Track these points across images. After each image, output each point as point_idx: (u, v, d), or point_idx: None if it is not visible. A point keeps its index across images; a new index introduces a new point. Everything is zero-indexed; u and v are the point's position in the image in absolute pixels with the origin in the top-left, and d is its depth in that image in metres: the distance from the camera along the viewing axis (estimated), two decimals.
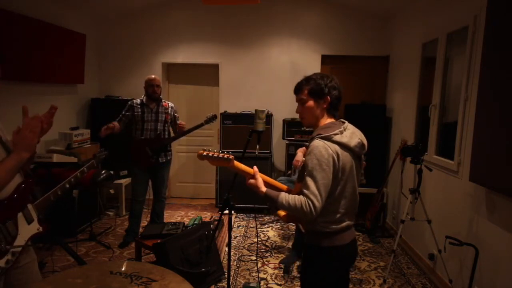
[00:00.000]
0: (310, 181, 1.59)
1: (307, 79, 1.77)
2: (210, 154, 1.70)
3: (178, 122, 4.01)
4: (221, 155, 1.70)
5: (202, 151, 1.71)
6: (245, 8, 5.26)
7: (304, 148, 3.79)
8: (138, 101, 3.90)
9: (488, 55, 2.54)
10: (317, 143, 1.62)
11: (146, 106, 3.86)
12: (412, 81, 4.16)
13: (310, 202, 1.56)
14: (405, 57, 4.50)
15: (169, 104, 4.01)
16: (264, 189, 1.71)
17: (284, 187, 1.85)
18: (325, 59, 5.35)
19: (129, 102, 3.90)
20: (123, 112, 3.87)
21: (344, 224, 1.71)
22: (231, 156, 1.70)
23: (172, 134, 4.05)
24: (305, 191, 1.59)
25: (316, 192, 1.57)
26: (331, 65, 5.35)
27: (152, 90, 3.83)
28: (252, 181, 1.74)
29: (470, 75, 2.93)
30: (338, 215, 1.69)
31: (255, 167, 1.76)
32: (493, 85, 2.48)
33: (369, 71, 5.32)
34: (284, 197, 1.63)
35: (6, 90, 3.66)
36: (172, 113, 3.99)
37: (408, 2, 4.34)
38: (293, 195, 1.62)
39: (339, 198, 1.68)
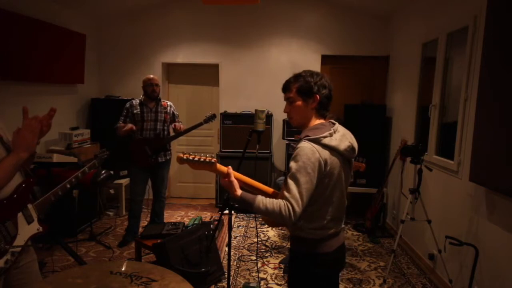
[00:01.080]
0: (292, 184, 1.50)
1: (295, 77, 1.68)
2: (191, 157, 1.56)
3: (176, 119, 4.00)
4: (202, 158, 1.56)
5: (182, 155, 1.57)
6: (245, 8, 5.26)
7: None
8: (137, 101, 3.89)
9: (488, 55, 2.54)
10: (305, 145, 1.54)
11: (145, 105, 3.86)
12: (412, 81, 4.16)
13: (290, 206, 1.47)
14: (405, 57, 4.50)
15: (168, 103, 4.00)
16: (238, 191, 1.58)
17: (269, 190, 1.75)
18: (325, 59, 5.35)
19: (127, 104, 3.88)
20: (124, 115, 3.84)
21: (331, 231, 1.65)
22: (213, 159, 1.58)
23: (172, 133, 4.05)
24: (286, 194, 1.50)
25: (298, 196, 1.48)
26: (331, 65, 5.35)
27: (151, 90, 3.83)
28: (227, 180, 1.61)
29: (470, 75, 2.93)
30: (325, 221, 1.62)
31: (229, 167, 1.63)
32: (493, 85, 2.48)
33: (369, 71, 5.32)
34: (262, 200, 1.52)
35: (6, 90, 3.66)
36: (171, 112, 3.99)
37: (408, 2, 4.34)
38: (272, 199, 1.53)
39: (326, 204, 1.61)
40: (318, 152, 1.53)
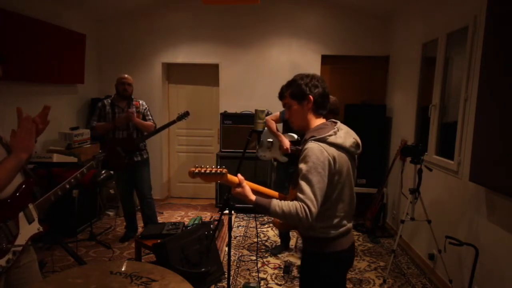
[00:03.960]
0: (305, 185, 1.52)
1: (288, 83, 1.73)
2: (203, 170, 1.61)
3: (147, 118, 3.91)
4: (213, 170, 1.61)
5: (194, 169, 1.62)
6: (245, 8, 5.26)
7: (276, 114, 3.67)
8: (109, 100, 3.85)
9: (488, 55, 2.54)
10: (312, 145, 1.56)
11: (117, 106, 3.82)
12: (412, 81, 4.16)
13: (306, 207, 1.48)
14: (405, 57, 4.50)
15: (140, 102, 3.95)
16: (253, 197, 1.61)
17: (275, 194, 1.80)
18: (325, 59, 5.35)
19: (99, 104, 3.84)
20: (98, 115, 3.81)
21: (343, 228, 1.67)
22: (224, 170, 1.62)
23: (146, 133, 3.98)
24: (300, 195, 1.51)
25: (312, 196, 1.50)
26: (331, 65, 5.35)
27: (122, 88, 3.79)
28: (239, 190, 1.64)
29: (470, 75, 2.93)
30: (337, 220, 1.64)
31: (239, 175, 1.67)
32: (493, 85, 2.48)
33: (369, 71, 5.32)
34: (277, 204, 1.54)
35: (6, 90, 3.65)
36: (143, 111, 3.93)
37: (408, 2, 4.34)
38: (287, 201, 1.54)
39: (337, 202, 1.63)
40: (326, 150, 1.56)
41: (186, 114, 3.83)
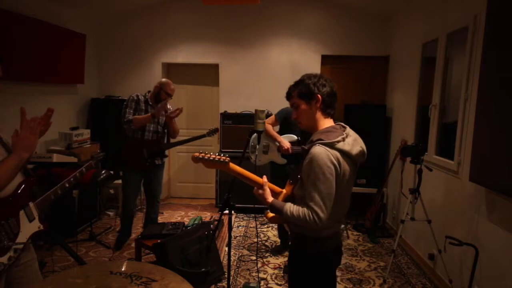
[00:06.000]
0: (313, 192, 1.54)
1: (295, 83, 1.73)
2: (206, 156, 1.63)
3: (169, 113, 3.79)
4: (217, 158, 1.64)
5: (198, 154, 1.65)
6: (245, 8, 5.26)
7: (271, 118, 3.66)
8: (142, 98, 3.73)
9: (488, 55, 2.54)
10: (319, 150, 1.54)
11: (151, 107, 3.72)
12: (412, 81, 4.16)
13: (314, 213, 1.52)
14: (405, 57, 4.50)
15: (168, 107, 3.86)
16: (270, 199, 1.68)
17: (278, 189, 1.81)
18: (325, 59, 5.35)
19: (134, 97, 3.68)
20: (134, 109, 3.64)
21: (334, 230, 1.69)
22: (227, 159, 1.65)
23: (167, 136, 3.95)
24: (309, 202, 1.55)
25: (321, 203, 1.52)
26: (331, 65, 5.35)
27: (166, 98, 3.67)
28: (260, 191, 1.72)
29: (470, 75, 2.93)
30: (331, 221, 1.64)
31: (264, 177, 1.73)
32: (493, 85, 2.48)
33: (369, 71, 5.32)
34: (289, 207, 1.59)
35: (6, 90, 3.64)
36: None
37: (408, 2, 4.34)
38: (298, 207, 1.58)
39: (335, 205, 1.62)
40: (333, 156, 1.55)
41: (215, 131, 3.92)
